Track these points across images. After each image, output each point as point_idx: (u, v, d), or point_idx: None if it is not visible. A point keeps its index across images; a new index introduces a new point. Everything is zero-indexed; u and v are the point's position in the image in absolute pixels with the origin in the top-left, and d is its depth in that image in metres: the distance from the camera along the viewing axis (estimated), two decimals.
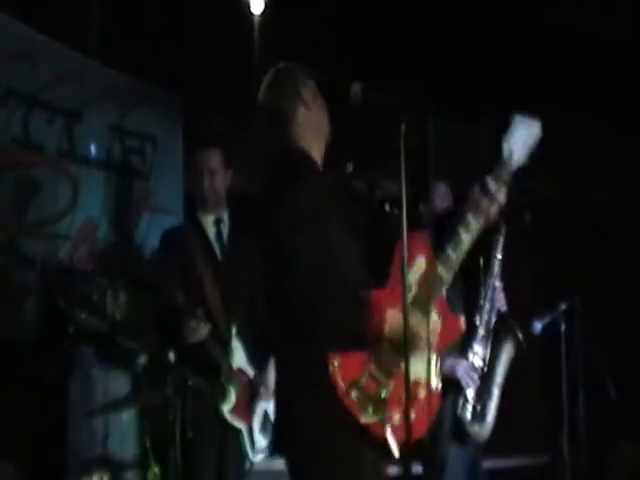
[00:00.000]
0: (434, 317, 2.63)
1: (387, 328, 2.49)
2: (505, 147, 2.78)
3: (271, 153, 2.69)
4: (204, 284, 3.77)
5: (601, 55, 5.14)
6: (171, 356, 3.20)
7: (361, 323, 2.49)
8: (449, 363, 3.72)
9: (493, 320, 3.89)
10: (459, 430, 3.75)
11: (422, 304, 2.58)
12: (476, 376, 3.79)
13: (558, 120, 5.72)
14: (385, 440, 2.48)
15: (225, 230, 3.94)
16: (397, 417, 2.51)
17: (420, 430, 2.54)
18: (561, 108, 5.50)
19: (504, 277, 3.97)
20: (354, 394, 2.46)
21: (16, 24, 4.10)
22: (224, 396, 3.67)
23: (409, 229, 2.55)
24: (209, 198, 3.89)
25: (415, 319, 2.52)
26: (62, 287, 3.65)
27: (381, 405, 2.49)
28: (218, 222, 3.94)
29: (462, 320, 2.77)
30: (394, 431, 2.50)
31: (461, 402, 3.76)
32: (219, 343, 3.70)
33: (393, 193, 2.65)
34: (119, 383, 4.13)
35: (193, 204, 4.06)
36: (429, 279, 2.63)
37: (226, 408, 3.67)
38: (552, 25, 4.96)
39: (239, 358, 3.75)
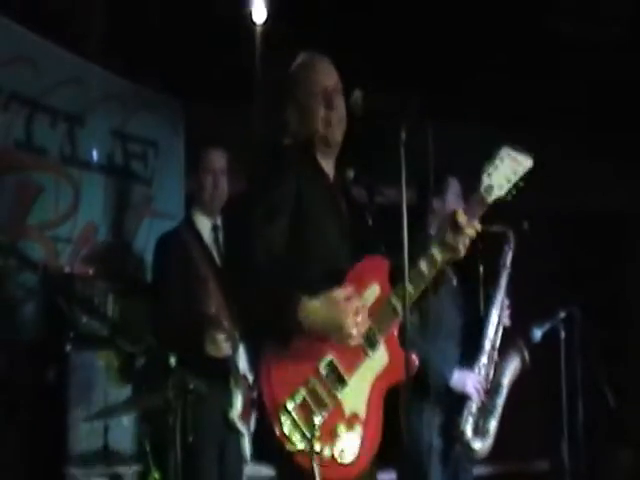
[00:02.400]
0: (380, 352, 2.49)
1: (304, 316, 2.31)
2: (484, 179, 2.70)
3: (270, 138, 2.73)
4: (208, 290, 3.70)
5: (603, 64, 5.15)
6: (172, 360, 3.19)
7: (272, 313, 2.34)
8: (458, 377, 3.71)
9: (500, 335, 3.89)
10: (461, 445, 3.73)
11: (368, 335, 2.44)
12: (483, 391, 3.77)
13: (557, 128, 5.77)
14: (311, 472, 2.27)
15: (222, 236, 3.83)
16: (327, 453, 2.34)
17: (357, 468, 2.38)
18: (562, 117, 5.53)
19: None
20: (283, 417, 2.31)
21: (19, 29, 4.12)
22: (232, 402, 3.64)
23: (372, 251, 2.54)
24: (213, 200, 3.82)
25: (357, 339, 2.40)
26: (64, 290, 3.66)
27: (311, 433, 2.30)
28: (216, 228, 3.86)
29: (415, 358, 2.54)
30: (323, 468, 2.29)
31: (464, 416, 3.75)
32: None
33: (395, 200, 2.62)
34: (118, 387, 4.13)
35: (189, 206, 4.00)
36: (380, 310, 2.48)
37: (234, 413, 3.65)
38: (551, 34, 4.97)
39: (242, 363, 3.72)
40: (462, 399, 3.74)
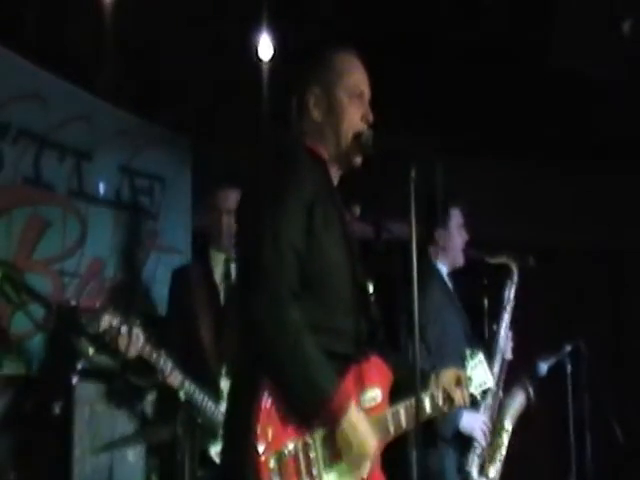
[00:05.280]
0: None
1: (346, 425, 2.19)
2: (469, 370, 2.79)
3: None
4: (199, 323, 3.73)
5: (604, 103, 5.19)
6: (181, 395, 3.18)
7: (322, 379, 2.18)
8: (468, 420, 3.70)
9: (504, 372, 3.90)
10: None
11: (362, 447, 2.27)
12: (488, 432, 3.78)
13: (561, 166, 5.81)
14: None
15: (234, 270, 3.86)
16: None
17: None
18: (567, 156, 5.57)
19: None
20: (273, 460, 2.13)
21: (28, 65, 4.16)
22: (214, 438, 3.51)
23: (377, 351, 2.41)
24: (225, 237, 3.88)
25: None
26: (72, 324, 3.66)
27: None
28: (227, 261, 3.90)
29: None
30: None
31: (470, 457, 3.75)
32: (207, 384, 3.57)
33: (400, 235, 2.63)
34: (125, 420, 4.12)
35: (205, 242, 4.04)
36: (376, 420, 2.35)
37: (214, 450, 3.52)
38: (554, 73, 5.02)
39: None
40: (468, 440, 3.74)
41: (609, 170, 5.83)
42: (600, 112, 5.25)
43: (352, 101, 2.45)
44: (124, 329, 3.43)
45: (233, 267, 3.88)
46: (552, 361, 4.38)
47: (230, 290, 3.86)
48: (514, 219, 5.84)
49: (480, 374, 2.81)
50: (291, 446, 2.17)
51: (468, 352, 2.84)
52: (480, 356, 2.84)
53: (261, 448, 2.12)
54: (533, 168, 5.88)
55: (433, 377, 2.60)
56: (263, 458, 2.12)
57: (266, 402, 2.15)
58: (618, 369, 5.75)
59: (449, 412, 2.67)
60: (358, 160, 2.49)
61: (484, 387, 2.83)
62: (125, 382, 3.60)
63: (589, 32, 4.73)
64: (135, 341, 3.43)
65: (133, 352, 3.42)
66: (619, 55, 4.83)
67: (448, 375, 2.63)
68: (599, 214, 6.05)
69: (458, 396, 2.61)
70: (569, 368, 4.41)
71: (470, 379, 2.76)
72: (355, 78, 2.48)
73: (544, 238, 5.84)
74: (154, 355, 3.46)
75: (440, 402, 2.58)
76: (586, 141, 5.46)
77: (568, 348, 4.43)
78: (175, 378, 3.48)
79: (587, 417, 4.46)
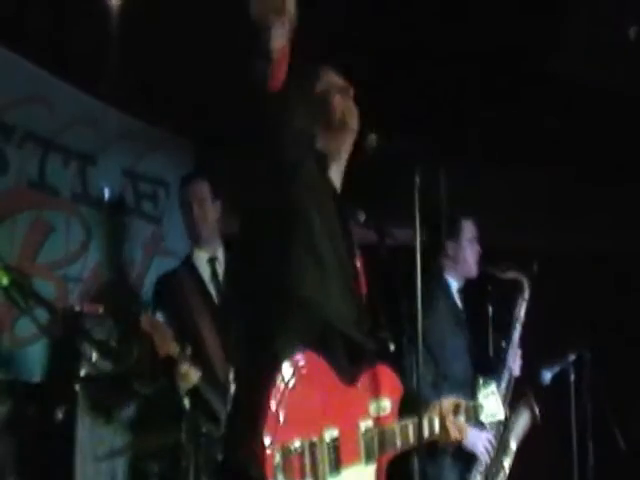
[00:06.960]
0: (370, 472, 2.34)
1: None
2: (481, 398, 2.78)
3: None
4: (200, 329, 3.65)
5: (605, 109, 5.19)
6: (185, 402, 3.17)
7: None
8: (471, 436, 3.63)
9: (511, 389, 3.86)
10: None
11: (369, 444, 2.32)
12: (492, 450, 3.75)
13: (565, 172, 5.79)
14: None
15: (221, 269, 3.79)
16: None
17: None
18: (571, 161, 5.56)
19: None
20: (277, 458, 2.07)
21: (34, 69, 4.16)
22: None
23: (382, 359, 2.42)
24: (200, 230, 3.77)
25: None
26: (76, 330, 3.66)
27: None
28: (212, 261, 3.80)
29: None
30: None
31: (473, 474, 3.73)
32: (216, 388, 3.52)
33: (404, 241, 2.62)
34: (128, 427, 4.11)
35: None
36: (388, 431, 2.38)
37: None
38: (553, 78, 5.02)
39: None
40: (472, 456, 3.72)
41: (614, 173, 5.81)
42: (604, 118, 5.25)
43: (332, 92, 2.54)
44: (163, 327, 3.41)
45: (218, 266, 3.80)
46: (556, 369, 4.36)
47: (221, 290, 3.74)
48: (517, 224, 5.83)
49: (492, 405, 2.78)
50: (298, 443, 2.12)
51: (481, 381, 2.82)
52: (493, 387, 2.81)
53: (267, 440, 2.06)
54: (535, 173, 5.87)
55: (433, 404, 2.59)
56: (269, 451, 2.06)
57: (277, 392, 2.10)
58: (621, 375, 5.73)
59: (446, 442, 2.62)
60: (348, 141, 2.50)
61: (495, 418, 2.82)
62: (129, 388, 3.58)
63: (593, 38, 4.73)
64: (169, 338, 3.41)
65: (168, 350, 3.40)
66: (622, 62, 4.84)
67: (448, 403, 2.62)
68: (603, 218, 6.04)
69: (452, 427, 2.58)
70: (572, 376, 4.39)
71: (482, 407, 2.76)
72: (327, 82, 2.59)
73: (547, 243, 5.82)
74: (180, 352, 3.43)
75: (436, 430, 2.56)
76: (590, 145, 5.45)
77: (572, 357, 4.41)
78: (195, 374, 3.43)
79: (590, 425, 4.44)
